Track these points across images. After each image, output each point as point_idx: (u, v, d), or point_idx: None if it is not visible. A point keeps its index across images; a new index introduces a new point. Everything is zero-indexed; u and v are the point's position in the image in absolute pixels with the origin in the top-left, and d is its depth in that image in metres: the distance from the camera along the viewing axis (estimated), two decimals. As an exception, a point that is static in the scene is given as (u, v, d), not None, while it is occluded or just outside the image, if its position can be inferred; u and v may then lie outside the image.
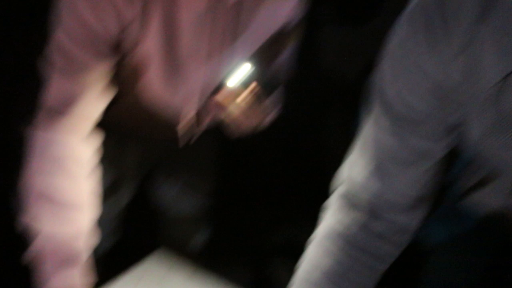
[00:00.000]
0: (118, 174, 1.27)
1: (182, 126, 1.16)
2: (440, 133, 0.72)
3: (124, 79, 1.06)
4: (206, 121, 1.19)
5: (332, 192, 0.84)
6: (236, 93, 1.02)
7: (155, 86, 1.08)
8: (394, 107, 0.71)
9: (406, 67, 0.68)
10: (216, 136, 1.28)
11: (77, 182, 0.98)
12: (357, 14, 1.70)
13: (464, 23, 0.62)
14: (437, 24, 0.64)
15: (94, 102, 1.00)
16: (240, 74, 1.00)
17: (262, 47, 1.11)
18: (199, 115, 1.17)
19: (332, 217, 0.83)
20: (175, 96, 1.11)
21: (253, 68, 1.00)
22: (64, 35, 0.93)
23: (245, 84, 1.01)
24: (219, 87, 1.04)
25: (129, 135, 1.23)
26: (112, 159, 1.18)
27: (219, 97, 1.03)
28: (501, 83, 0.62)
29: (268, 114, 1.09)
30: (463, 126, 0.70)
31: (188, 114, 1.15)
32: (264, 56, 1.12)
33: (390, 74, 0.71)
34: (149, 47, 1.01)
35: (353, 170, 0.80)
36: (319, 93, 1.75)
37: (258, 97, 1.02)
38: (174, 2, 0.97)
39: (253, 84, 1.00)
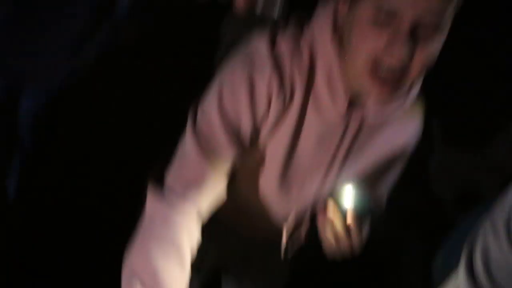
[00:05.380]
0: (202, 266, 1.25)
1: (285, 233, 1.19)
2: None
3: (243, 173, 1.10)
4: (305, 233, 1.21)
5: None
6: (341, 213, 1.05)
7: (269, 186, 1.12)
8: None
9: None
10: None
11: (184, 272, 0.98)
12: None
13: None
14: None
15: (218, 189, 1.03)
16: (348, 195, 1.04)
17: (372, 169, 1.14)
18: (302, 225, 1.19)
19: None
20: (285, 201, 1.14)
21: (358, 192, 1.04)
22: (218, 115, 0.98)
23: (352, 207, 1.04)
24: (327, 203, 1.07)
25: (228, 230, 1.25)
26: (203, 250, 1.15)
27: (326, 213, 1.06)
28: None
29: (363, 241, 1.10)
30: None
31: (293, 221, 1.18)
32: (373, 179, 1.16)
33: None
34: (276, 147, 1.05)
35: None
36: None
37: (359, 222, 1.05)
38: (306, 111, 1.02)
39: (351, 212, 1.04)
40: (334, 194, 1.06)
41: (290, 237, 1.23)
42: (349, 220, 1.04)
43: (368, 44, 0.90)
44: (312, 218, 1.18)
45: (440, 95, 1.50)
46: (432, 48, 0.91)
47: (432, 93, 1.11)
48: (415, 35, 0.88)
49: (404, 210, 1.69)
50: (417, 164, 1.67)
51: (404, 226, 1.73)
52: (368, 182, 1.15)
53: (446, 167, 1.67)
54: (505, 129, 1.55)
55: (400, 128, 1.12)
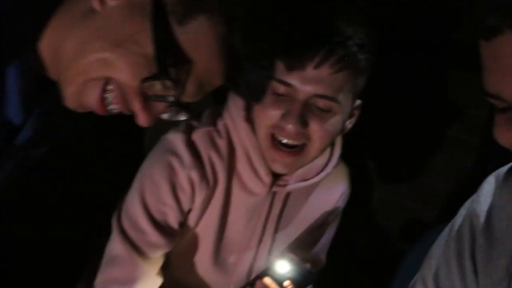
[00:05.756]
0: None
1: None
2: None
3: (177, 253, 1.10)
4: None
5: None
6: (271, 285, 1.06)
7: (203, 264, 1.12)
8: None
9: None
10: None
11: None
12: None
13: None
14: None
15: (153, 278, 1.04)
16: (280, 267, 1.06)
17: (304, 235, 1.17)
18: None
19: None
20: (220, 274, 1.14)
21: (293, 262, 1.05)
22: (142, 211, 1.00)
23: (281, 277, 1.05)
24: (260, 276, 1.09)
25: None
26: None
27: (259, 285, 1.07)
28: None
29: None
30: None
31: None
32: (308, 243, 1.19)
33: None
34: (206, 227, 1.07)
35: None
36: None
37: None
38: (231, 190, 1.05)
39: (288, 280, 1.05)
40: (270, 268, 1.07)
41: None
42: (286, 285, 1.04)
43: (266, 114, 0.95)
44: None
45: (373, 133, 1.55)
46: (329, 127, 0.95)
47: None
48: (309, 112, 0.93)
49: (352, 250, 1.69)
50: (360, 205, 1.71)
51: (353, 268, 1.72)
52: (303, 247, 1.17)
53: (387, 201, 1.70)
54: (437, 158, 1.62)
55: (327, 193, 1.15)
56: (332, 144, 1.07)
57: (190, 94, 0.72)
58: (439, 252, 0.83)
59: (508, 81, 0.51)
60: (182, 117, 0.76)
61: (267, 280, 1.05)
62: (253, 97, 0.80)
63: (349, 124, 1.03)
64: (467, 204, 0.83)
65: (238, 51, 0.70)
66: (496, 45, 0.52)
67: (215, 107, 1.07)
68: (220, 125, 1.03)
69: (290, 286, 1.05)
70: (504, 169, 0.79)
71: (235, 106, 1.02)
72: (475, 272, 0.77)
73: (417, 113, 1.58)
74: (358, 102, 1.02)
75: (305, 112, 0.93)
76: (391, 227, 1.71)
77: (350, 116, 1.02)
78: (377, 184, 1.68)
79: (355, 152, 1.25)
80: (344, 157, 1.14)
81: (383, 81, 1.49)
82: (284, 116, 0.93)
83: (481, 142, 1.58)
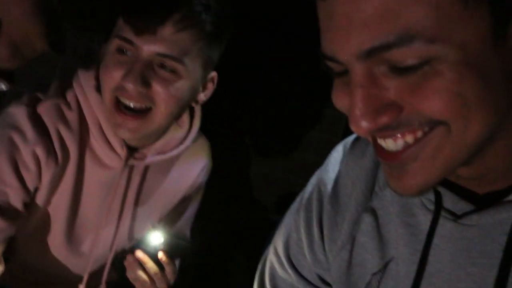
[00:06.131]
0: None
1: (82, 286, 1.13)
2: None
3: (28, 236, 1.03)
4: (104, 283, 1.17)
5: None
6: (144, 258, 1.04)
7: (55, 245, 1.06)
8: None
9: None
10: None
11: None
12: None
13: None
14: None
15: None
16: (148, 239, 1.04)
17: (166, 210, 1.15)
18: (98, 276, 1.14)
19: None
20: (75, 255, 1.09)
21: (161, 234, 1.04)
22: None
23: (153, 249, 1.04)
24: (127, 251, 1.06)
25: None
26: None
27: (127, 261, 1.05)
28: (382, 271, 0.69)
29: (174, 278, 1.11)
30: None
31: (89, 273, 1.12)
32: (170, 218, 1.17)
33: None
34: (57, 205, 1.00)
35: None
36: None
37: (166, 263, 1.06)
38: (84, 165, 0.99)
39: (161, 251, 1.04)
40: (142, 241, 1.05)
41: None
42: (162, 258, 1.04)
43: (109, 74, 0.91)
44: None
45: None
46: (174, 91, 0.92)
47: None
48: (152, 72, 0.90)
49: (230, 224, 1.71)
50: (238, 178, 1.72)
51: (232, 240, 1.75)
52: (166, 222, 1.16)
53: (264, 174, 1.73)
54: (311, 133, 1.68)
55: (188, 167, 1.13)
56: (191, 117, 1.06)
57: (3, 58, 0.66)
58: (291, 221, 0.85)
59: (342, 42, 0.51)
60: (2, 87, 0.70)
61: (139, 253, 1.03)
62: (85, 62, 0.76)
63: (203, 96, 1.02)
64: (317, 173, 0.85)
65: (56, 10, 0.65)
66: (330, 4, 0.51)
67: (63, 79, 1.00)
68: (69, 97, 0.97)
69: (164, 258, 1.03)
70: (351, 137, 0.82)
71: (84, 76, 0.97)
72: (322, 238, 0.80)
73: (292, 91, 1.62)
74: (213, 73, 1.00)
75: (148, 73, 0.90)
76: (268, 200, 1.75)
77: (204, 87, 1.00)
78: (254, 159, 1.71)
79: (229, 127, 1.24)
80: (217, 132, 1.14)
81: (251, 57, 1.51)
82: (125, 76, 0.89)
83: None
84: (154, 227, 1.10)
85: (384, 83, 0.52)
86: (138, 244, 1.07)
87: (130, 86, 0.89)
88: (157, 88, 0.91)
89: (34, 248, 1.07)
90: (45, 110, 0.95)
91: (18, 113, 0.94)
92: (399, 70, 0.50)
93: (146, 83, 0.90)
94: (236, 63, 1.15)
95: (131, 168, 1.04)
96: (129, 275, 1.06)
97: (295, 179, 1.68)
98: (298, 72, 1.59)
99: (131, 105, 0.92)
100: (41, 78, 0.94)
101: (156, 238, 1.05)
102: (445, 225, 0.64)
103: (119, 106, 0.93)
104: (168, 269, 1.05)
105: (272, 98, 1.62)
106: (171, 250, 1.06)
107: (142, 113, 0.93)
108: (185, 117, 1.07)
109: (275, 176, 1.73)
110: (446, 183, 0.64)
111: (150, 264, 1.03)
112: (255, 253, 1.00)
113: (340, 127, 1.66)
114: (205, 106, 1.10)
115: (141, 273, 1.04)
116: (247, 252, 1.69)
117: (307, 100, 1.64)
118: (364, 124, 0.52)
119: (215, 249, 1.68)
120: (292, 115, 1.65)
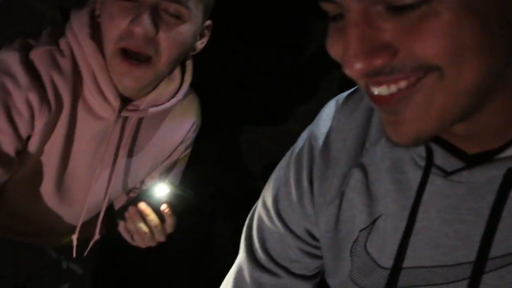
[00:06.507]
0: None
1: (75, 236, 1.13)
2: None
3: (18, 184, 1.02)
4: (98, 233, 1.17)
5: None
6: (146, 210, 1.04)
7: (46, 196, 1.05)
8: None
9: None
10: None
11: None
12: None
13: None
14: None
15: None
16: (152, 191, 1.04)
17: (157, 163, 1.15)
18: (91, 227, 1.14)
19: None
20: (67, 205, 1.08)
21: (166, 186, 1.04)
22: None
23: (157, 202, 1.04)
24: (129, 203, 1.06)
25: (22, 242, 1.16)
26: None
27: (128, 213, 1.05)
28: (369, 228, 0.69)
29: (172, 231, 1.11)
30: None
31: (82, 224, 1.12)
32: (159, 173, 1.18)
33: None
34: (48, 154, 0.99)
35: None
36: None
37: (168, 215, 1.06)
38: (77, 115, 0.98)
39: (165, 203, 1.05)
40: (145, 193, 1.05)
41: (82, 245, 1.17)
42: (164, 210, 1.05)
43: (114, 23, 0.90)
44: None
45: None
46: (178, 36, 0.92)
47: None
48: (158, 17, 0.90)
49: (219, 191, 1.71)
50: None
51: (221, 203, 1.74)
52: (158, 176, 1.17)
53: (254, 144, 1.73)
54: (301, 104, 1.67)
55: (179, 122, 1.13)
56: (183, 71, 1.05)
57: None
58: (280, 174, 0.85)
59: None
60: None
61: (142, 205, 1.03)
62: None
63: (200, 44, 1.02)
64: (308, 128, 0.85)
65: None
66: None
67: (56, 25, 0.99)
68: (63, 44, 0.96)
69: (167, 210, 1.03)
70: (345, 93, 0.82)
71: (78, 23, 0.95)
72: (312, 192, 0.80)
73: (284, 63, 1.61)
74: (209, 22, 1.00)
75: (155, 18, 0.89)
76: (255, 169, 1.76)
77: (202, 35, 0.99)
78: (244, 128, 1.71)
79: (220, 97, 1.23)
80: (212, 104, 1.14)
81: (245, 24, 1.50)
82: (133, 20, 0.89)
83: (339, 89, 1.67)
84: (159, 179, 1.10)
85: (380, 24, 0.51)
86: (141, 195, 1.07)
87: (139, 30, 0.89)
88: (163, 34, 0.91)
89: (24, 197, 1.06)
90: (38, 56, 0.93)
91: (10, 58, 0.91)
92: (396, 10, 0.49)
93: (156, 26, 0.90)
94: (230, 28, 1.14)
95: (124, 120, 1.03)
96: (130, 226, 1.06)
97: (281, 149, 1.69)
98: (290, 46, 1.58)
99: (138, 50, 0.92)
100: (27, 33, 0.91)
101: (160, 190, 1.04)
102: (435, 182, 0.63)
103: (124, 55, 0.93)
104: (169, 221, 1.06)
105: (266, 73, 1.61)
106: (174, 202, 1.06)
107: (146, 61, 0.93)
108: (177, 71, 1.07)
109: (264, 146, 1.72)
110: (437, 140, 0.63)
111: (152, 216, 1.03)
112: (241, 214, 1.01)
113: (327, 100, 1.66)
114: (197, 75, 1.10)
115: (142, 225, 1.04)
116: (233, 213, 1.70)
117: (297, 73, 1.63)
118: (358, 65, 0.51)
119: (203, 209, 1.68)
120: (282, 87, 1.64)
